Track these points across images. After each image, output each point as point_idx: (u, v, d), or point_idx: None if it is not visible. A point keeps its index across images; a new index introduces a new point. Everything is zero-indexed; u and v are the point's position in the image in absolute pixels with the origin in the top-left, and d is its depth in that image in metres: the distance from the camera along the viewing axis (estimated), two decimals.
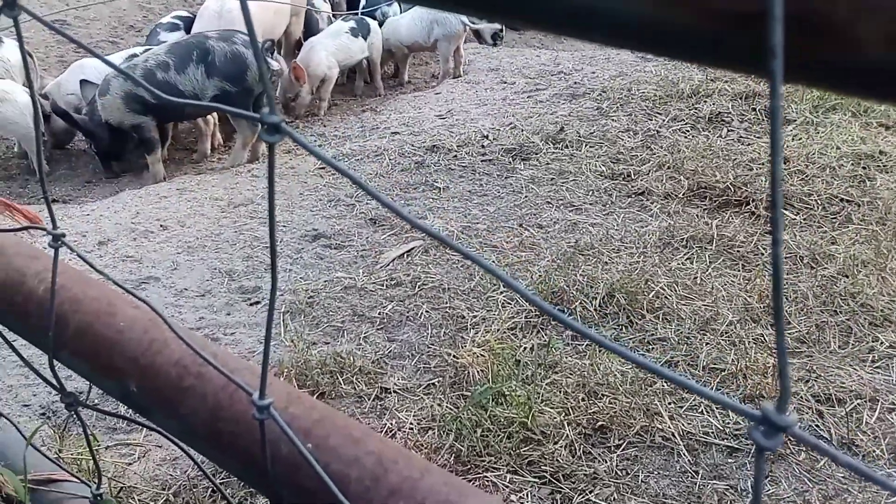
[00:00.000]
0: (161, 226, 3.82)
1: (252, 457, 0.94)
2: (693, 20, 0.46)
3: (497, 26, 7.70)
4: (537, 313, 2.93)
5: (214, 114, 5.40)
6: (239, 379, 0.92)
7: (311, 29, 6.54)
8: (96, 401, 2.39)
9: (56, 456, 1.95)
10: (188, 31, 5.67)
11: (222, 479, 2.10)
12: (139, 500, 2.02)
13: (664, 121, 4.84)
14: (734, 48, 0.47)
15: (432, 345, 2.82)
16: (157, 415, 1.06)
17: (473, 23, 7.06)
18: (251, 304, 3.16)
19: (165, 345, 1.06)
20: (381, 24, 6.72)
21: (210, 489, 2.07)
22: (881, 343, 2.72)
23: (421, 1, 0.74)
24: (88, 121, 4.87)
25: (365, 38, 6.13)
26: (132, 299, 1.14)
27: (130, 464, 2.16)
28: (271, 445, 0.89)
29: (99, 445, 2.10)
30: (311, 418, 0.93)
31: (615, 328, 2.82)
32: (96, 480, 1.34)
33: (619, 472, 2.16)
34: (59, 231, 1.08)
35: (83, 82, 5.07)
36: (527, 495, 2.04)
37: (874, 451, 2.20)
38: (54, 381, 1.16)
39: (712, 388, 2.47)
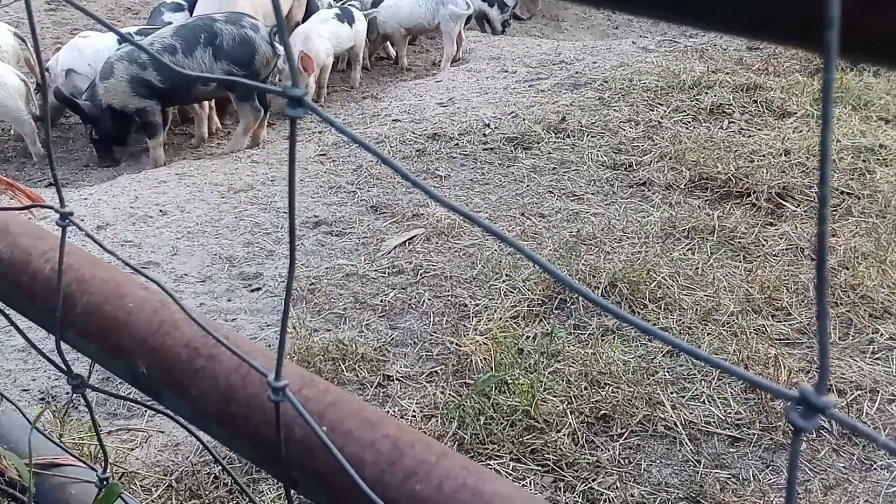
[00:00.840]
0: (160, 211, 3.80)
1: (264, 439, 0.93)
2: None
3: (507, 15, 7.65)
4: (539, 302, 2.93)
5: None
6: (252, 361, 0.91)
7: (310, 13, 6.49)
8: (97, 386, 2.38)
9: (58, 440, 1.94)
10: (192, 11, 5.61)
11: (226, 463, 2.09)
12: (141, 485, 2.01)
13: (665, 112, 4.83)
14: (786, 20, 0.46)
15: (434, 333, 2.81)
16: (168, 397, 1.04)
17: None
18: (252, 291, 3.14)
19: (175, 326, 1.04)
20: (373, 6, 6.67)
21: (212, 475, 2.06)
22: (881, 335, 2.72)
23: None
24: (91, 106, 4.81)
25: (350, 26, 6.06)
26: (141, 280, 1.12)
27: (132, 449, 2.15)
28: (285, 428, 0.88)
29: (101, 430, 2.09)
30: (325, 401, 0.92)
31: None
32: (101, 464, 1.33)
33: (621, 460, 2.16)
34: (68, 209, 1.06)
35: (69, 72, 5.01)
36: (530, 483, 2.04)
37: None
38: (60, 363, 1.14)
39: (714, 379, 2.47)
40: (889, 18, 0.44)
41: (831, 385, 2.41)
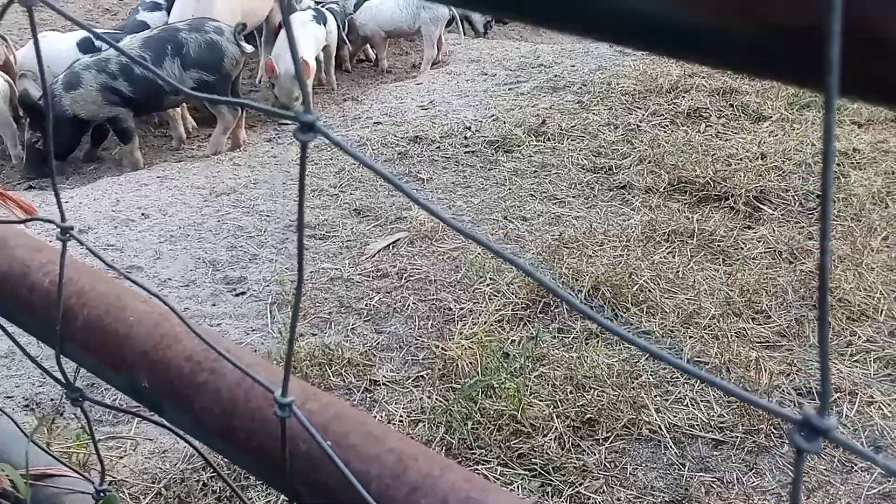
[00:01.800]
0: (142, 214, 3.78)
1: (268, 453, 0.94)
2: (750, 33, 0.47)
3: (489, 16, 7.67)
4: (524, 306, 2.96)
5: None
6: (256, 375, 0.92)
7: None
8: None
9: (47, 449, 1.93)
10: (170, 11, 5.58)
11: (211, 473, 2.10)
12: (129, 493, 2.01)
13: (644, 115, 4.88)
14: (788, 61, 0.48)
15: (420, 337, 2.83)
16: (170, 410, 1.05)
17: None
18: (236, 295, 3.14)
19: (177, 339, 1.05)
20: (356, 8, 6.67)
21: (201, 482, 2.07)
22: (859, 337, 2.77)
23: None
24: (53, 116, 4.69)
25: (324, 26, 6.04)
26: (140, 293, 1.13)
27: (121, 457, 2.15)
28: (289, 442, 0.89)
29: (88, 439, 2.08)
30: (328, 415, 0.94)
31: None
32: (92, 473, 1.33)
33: (607, 464, 2.19)
34: (68, 224, 1.07)
35: (22, 76, 4.94)
36: (518, 488, 2.07)
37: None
38: (60, 376, 1.14)
39: (696, 382, 2.50)
40: (890, 61, 0.46)
41: (811, 389, 2.45)
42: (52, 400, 2.47)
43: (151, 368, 1.06)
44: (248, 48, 5.10)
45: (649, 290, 3.01)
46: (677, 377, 2.51)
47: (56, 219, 1.05)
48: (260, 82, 6.35)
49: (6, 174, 4.88)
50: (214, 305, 3.07)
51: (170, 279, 3.25)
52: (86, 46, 4.99)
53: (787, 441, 2.22)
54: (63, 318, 1.10)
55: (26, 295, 1.17)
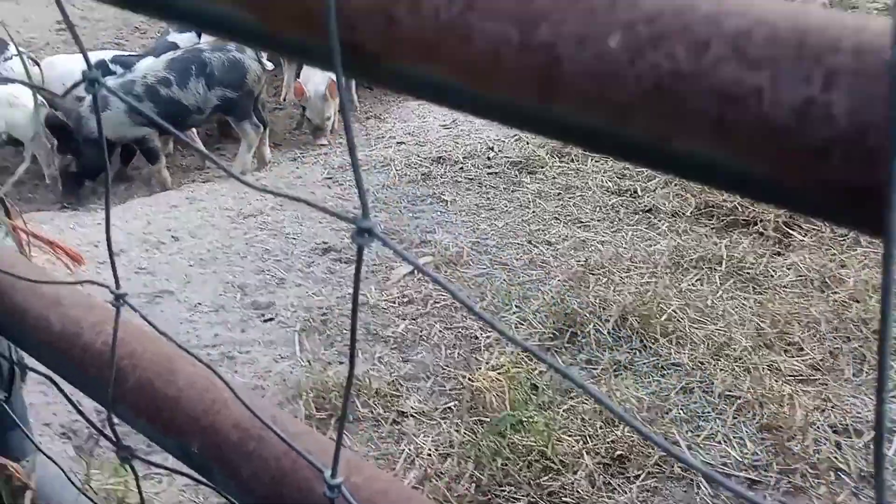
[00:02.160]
0: (172, 237, 3.83)
1: None
2: (806, 187, 0.49)
3: None
4: (550, 336, 2.96)
5: None
6: (304, 450, 0.94)
7: None
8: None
9: (83, 485, 1.96)
10: (200, 34, 5.67)
11: None
12: None
13: None
14: (845, 214, 0.50)
15: (447, 366, 2.85)
16: (217, 474, 1.08)
17: None
18: (265, 321, 3.17)
19: (225, 405, 1.08)
20: None
21: None
22: None
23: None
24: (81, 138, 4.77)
25: None
26: (189, 356, 1.16)
27: (157, 493, 2.18)
28: None
29: (126, 475, 2.12)
30: (373, 489, 0.96)
31: (629, 352, 2.85)
32: None
33: (639, 503, 2.19)
34: (122, 291, 1.10)
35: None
36: None
37: (894, 486, 2.23)
38: (111, 435, 1.17)
39: (728, 418, 2.50)
40: None
41: (847, 426, 2.43)
42: (87, 429, 2.50)
43: (202, 434, 1.08)
44: (269, 65, 5.23)
45: (678, 320, 3.00)
46: (708, 412, 2.51)
47: (111, 284, 1.07)
48: (284, 100, 6.41)
49: (40, 193, 4.96)
50: (244, 332, 3.11)
51: (200, 304, 3.29)
52: (100, 68, 5.08)
53: (823, 482, 2.21)
54: (115, 379, 1.13)
55: (79, 354, 1.20)
